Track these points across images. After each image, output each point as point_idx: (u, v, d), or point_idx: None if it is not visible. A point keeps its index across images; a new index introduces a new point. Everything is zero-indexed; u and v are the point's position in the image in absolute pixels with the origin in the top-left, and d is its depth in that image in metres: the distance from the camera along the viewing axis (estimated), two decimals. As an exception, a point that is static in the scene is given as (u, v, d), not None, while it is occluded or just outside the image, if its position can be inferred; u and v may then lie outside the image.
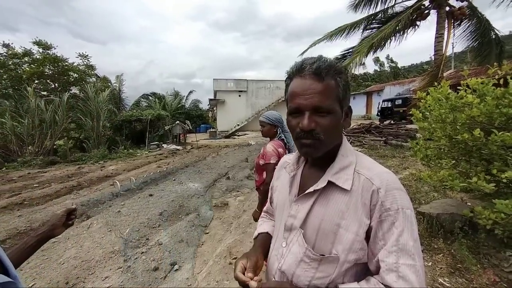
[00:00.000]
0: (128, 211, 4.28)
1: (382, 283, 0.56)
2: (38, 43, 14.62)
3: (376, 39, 7.85)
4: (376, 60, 32.31)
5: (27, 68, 13.96)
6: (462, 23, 8.59)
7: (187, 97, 27.24)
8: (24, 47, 14.66)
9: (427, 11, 8.51)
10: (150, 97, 24.17)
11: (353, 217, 0.60)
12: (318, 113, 0.60)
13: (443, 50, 8.03)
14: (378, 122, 13.52)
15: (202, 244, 3.29)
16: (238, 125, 20.23)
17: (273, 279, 0.69)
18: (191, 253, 3.01)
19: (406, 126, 10.86)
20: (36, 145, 10.90)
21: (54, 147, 11.59)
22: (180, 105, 25.09)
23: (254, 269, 0.66)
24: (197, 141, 14.07)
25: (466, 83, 1.92)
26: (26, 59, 14.52)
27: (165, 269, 2.71)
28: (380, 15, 9.33)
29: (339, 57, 9.80)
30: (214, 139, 17.92)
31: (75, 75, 15.53)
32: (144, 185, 6.46)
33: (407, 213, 0.58)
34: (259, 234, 0.87)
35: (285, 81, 0.70)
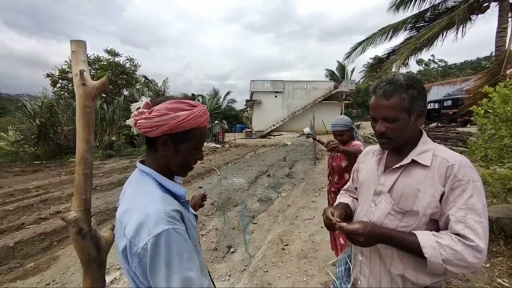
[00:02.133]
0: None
1: (450, 232, 0.73)
2: (109, 52, 16.92)
3: (422, 40, 7.47)
4: (420, 62, 29.92)
5: (96, 73, 16.00)
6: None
7: (224, 97, 28.36)
8: (96, 54, 16.96)
9: (486, 4, 7.82)
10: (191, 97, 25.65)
11: (430, 184, 0.79)
12: (387, 121, 0.84)
13: (506, 46, 7.31)
14: (424, 125, 12.66)
15: (252, 232, 3.60)
16: (274, 125, 20.51)
17: None
18: (244, 239, 3.33)
19: (457, 129, 10.05)
20: (97, 140, 12.44)
21: (111, 142, 13.10)
22: (217, 105, 26.22)
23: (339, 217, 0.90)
24: (235, 139, 14.67)
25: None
26: (96, 66, 16.67)
27: (223, 251, 3.06)
28: (429, 12, 8.81)
29: (380, 57, 9.52)
30: (250, 139, 18.44)
31: (126, 77, 17.36)
32: (191, 178, 7.06)
33: (477, 184, 0.74)
34: (340, 203, 1.10)
35: (369, 94, 0.94)
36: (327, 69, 28.25)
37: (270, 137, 19.33)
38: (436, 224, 0.81)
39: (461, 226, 0.71)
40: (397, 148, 0.90)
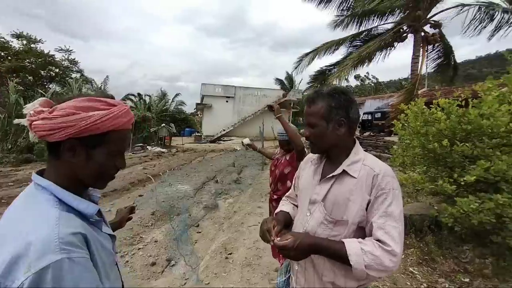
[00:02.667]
0: (119, 210, 4.30)
1: (373, 239, 0.79)
2: (19, 36, 13.90)
3: (358, 58, 8.52)
4: (357, 77, 34.17)
5: (7, 62, 13.25)
6: (434, 48, 9.54)
7: (172, 100, 26.96)
8: (2, 39, 13.93)
9: (405, 34, 9.34)
10: (135, 98, 23.59)
11: (359, 193, 0.84)
12: (309, 126, 0.93)
13: (418, 70, 8.82)
14: (358, 134, 14.26)
15: (196, 242, 3.43)
16: (224, 130, 20.35)
17: None
18: (186, 250, 3.14)
19: (384, 138, 11.60)
20: (9, 141, 10.36)
21: (30, 145, 11.06)
22: (165, 107, 24.77)
23: (276, 233, 0.90)
24: (182, 144, 14.03)
25: (437, 101, 2.30)
26: (3, 54, 13.78)
27: (162, 264, 2.83)
28: (364, 34, 10.07)
29: (323, 69, 10.47)
30: (199, 143, 17.89)
31: (57, 70, 14.96)
32: (131, 185, 6.44)
33: (395, 192, 0.83)
34: (281, 211, 1.11)
35: None
36: (277, 78, 29.39)
37: (220, 142, 19.12)
38: (363, 231, 0.86)
39: (381, 232, 0.78)
40: (331, 156, 0.96)
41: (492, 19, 7.55)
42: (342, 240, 0.82)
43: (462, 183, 1.96)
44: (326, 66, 10.48)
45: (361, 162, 0.90)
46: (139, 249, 3.03)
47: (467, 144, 1.97)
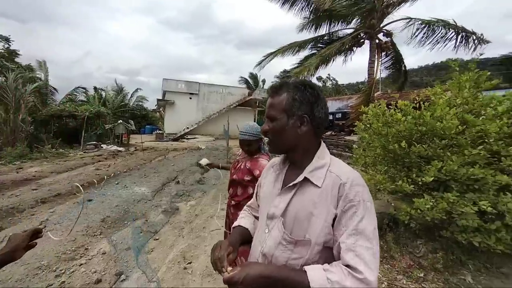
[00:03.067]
0: (59, 219, 3.73)
1: (342, 264, 0.64)
2: None
3: (322, 57, 8.83)
4: (319, 79, 35.83)
5: None
6: (387, 54, 10.34)
7: (132, 95, 25.11)
8: None
9: (362, 40, 9.93)
10: (88, 92, 21.38)
11: (323, 206, 0.71)
12: (269, 119, 0.81)
13: (374, 74, 9.45)
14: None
15: (152, 251, 3.11)
16: (188, 128, 19.56)
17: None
18: (140, 261, 2.82)
19: (345, 137, 12.24)
20: None
21: None
22: (123, 103, 22.93)
23: (229, 262, 0.74)
24: (142, 142, 13.06)
25: (395, 103, 2.38)
26: None
27: (109, 281, 2.47)
28: (326, 37, 10.47)
29: (288, 70, 10.65)
30: (161, 142, 16.92)
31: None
32: (79, 188, 5.71)
33: (367, 205, 0.69)
34: (239, 226, 0.95)
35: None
36: (241, 77, 29.28)
37: (184, 140, 18.32)
38: (330, 251, 0.72)
39: (351, 255, 0.64)
40: (295, 161, 0.83)
41: (434, 33, 8.38)
42: (304, 269, 0.66)
43: (420, 183, 2.03)
44: (290, 67, 10.70)
45: (326, 168, 0.77)
46: (80, 264, 2.62)
47: (423, 145, 2.05)
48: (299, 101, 0.77)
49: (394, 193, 2.59)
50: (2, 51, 13.43)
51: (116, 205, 4.39)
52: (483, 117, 2.10)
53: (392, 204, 3.43)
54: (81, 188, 2.61)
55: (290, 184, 0.78)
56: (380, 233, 2.87)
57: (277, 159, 0.95)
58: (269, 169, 0.96)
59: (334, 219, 0.70)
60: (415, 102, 2.40)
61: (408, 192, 2.18)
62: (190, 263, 2.67)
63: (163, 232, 3.65)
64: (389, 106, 2.43)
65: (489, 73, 2.27)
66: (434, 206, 1.95)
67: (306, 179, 0.76)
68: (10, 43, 13.87)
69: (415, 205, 2.03)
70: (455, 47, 8.02)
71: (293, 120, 0.77)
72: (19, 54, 14.43)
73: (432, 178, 1.94)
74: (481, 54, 2.49)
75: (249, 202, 1.08)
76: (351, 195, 0.69)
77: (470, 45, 7.81)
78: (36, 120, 12.24)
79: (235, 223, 0.98)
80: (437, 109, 2.07)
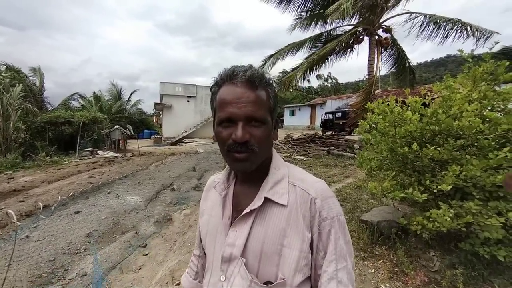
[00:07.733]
0: (42, 234, 3.47)
1: None
2: None
3: (318, 56, 8.59)
4: (319, 76, 35.63)
5: None
6: (387, 51, 10.07)
7: (129, 98, 24.87)
8: None
9: (361, 37, 9.68)
10: (84, 98, 21.18)
11: (295, 232, 0.56)
12: (251, 123, 0.54)
13: (374, 72, 9.19)
14: (321, 133, 14.59)
15: (140, 269, 2.85)
16: (186, 131, 19.34)
17: None
18: (126, 281, 2.55)
19: (346, 137, 11.97)
20: None
21: None
22: (121, 108, 22.73)
23: None
24: (139, 147, 12.82)
25: (403, 100, 2.11)
26: None
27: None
28: (324, 35, 10.23)
29: (288, 70, 10.38)
30: (158, 146, 16.68)
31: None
32: (70, 199, 5.46)
33: (340, 220, 0.59)
34: None
35: (211, 88, 0.61)
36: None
37: (182, 144, 18.08)
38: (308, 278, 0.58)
39: (333, 284, 0.54)
40: (251, 173, 0.60)
41: (439, 28, 8.13)
42: None
43: (435, 190, 1.77)
44: (290, 68, 10.46)
45: (286, 179, 0.61)
46: (57, 290, 2.36)
47: (438, 148, 1.79)
48: (277, 101, 0.62)
49: (403, 200, 2.32)
50: None
51: (105, 217, 4.13)
52: (500, 113, 1.85)
53: (399, 210, 3.16)
54: (14, 215, 2.23)
55: (247, 211, 0.58)
56: (389, 243, 2.60)
57: (218, 176, 0.72)
58: (210, 190, 0.73)
59: (310, 243, 0.57)
60: (426, 97, 2.14)
61: (421, 202, 1.91)
62: (178, 284, 2.40)
63: (154, 245, 3.39)
64: (396, 103, 2.16)
65: (507, 63, 2.01)
66: (453, 217, 1.69)
67: (267, 200, 0.58)
68: None
69: (432, 216, 1.76)
70: (462, 37, 7.67)
71: (274, 124, 0.62)
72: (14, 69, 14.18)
73: (451, 186, 1.67)
74: (496, 43, 2.21)
75: (194, 250, 0.83)
76: (325, 213, 0.57)
77: (478, 37, 7.46)
78: (31, 128, 12.02)
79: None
80: (453, 106, 1.81)
